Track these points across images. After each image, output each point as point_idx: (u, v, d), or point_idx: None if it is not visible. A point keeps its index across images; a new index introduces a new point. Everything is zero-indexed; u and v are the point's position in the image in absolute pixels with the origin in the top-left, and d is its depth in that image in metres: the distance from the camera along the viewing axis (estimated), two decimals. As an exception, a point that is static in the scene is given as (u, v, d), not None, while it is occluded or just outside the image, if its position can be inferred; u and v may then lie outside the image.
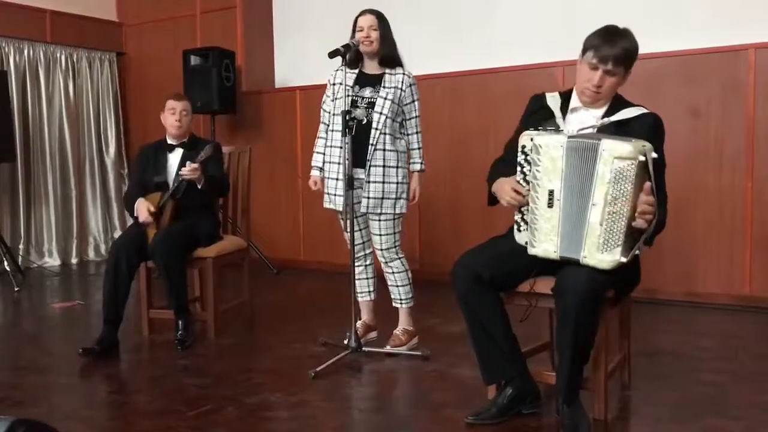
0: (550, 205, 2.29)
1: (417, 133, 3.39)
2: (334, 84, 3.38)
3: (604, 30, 2.39)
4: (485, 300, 2.40)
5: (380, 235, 3.33)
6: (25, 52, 6.04)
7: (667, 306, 4.17)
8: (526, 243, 2.37)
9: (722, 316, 3.95)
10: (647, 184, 2.17)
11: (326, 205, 3.42)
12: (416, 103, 3.36)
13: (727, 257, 4.13)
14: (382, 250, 3.35)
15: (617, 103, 2.46)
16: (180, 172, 3.50)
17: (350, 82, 3.29)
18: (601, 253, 2.21)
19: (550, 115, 2.48)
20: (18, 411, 2.61)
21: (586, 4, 4.60)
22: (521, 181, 2.37)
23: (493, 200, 2.54)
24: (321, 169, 3.44)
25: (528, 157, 2.34)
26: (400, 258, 3.39)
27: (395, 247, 3.36)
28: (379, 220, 3.31)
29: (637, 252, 2.28)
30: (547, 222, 2.30)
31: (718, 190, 4.13)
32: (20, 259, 5.86)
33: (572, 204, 2.26)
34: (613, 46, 2.34)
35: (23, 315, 4.49)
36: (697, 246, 4.21)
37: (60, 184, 6.28)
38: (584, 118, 2.46)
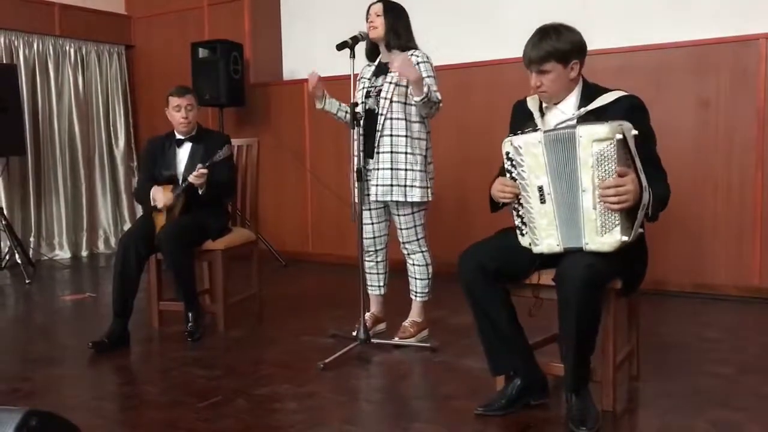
0: (543, 200, 2.31)
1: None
2: (360, 79, 3.37)
3: (533, 34, 2.45)
4: (490, 291, 2.40)
5: (401, 228, 3.33)
6: (35, 45, 6.06)
7: (675, 298, 4.16)
8: (530, 244, 2.40)
9: (731, 308, 3.93)
10: (619, 169, 2.17)
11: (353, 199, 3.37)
12: (427, 80, 3.16)
13: (736, 249, 4.11)
14: (404, 242, 3.35)
15: (590, 91, 2.47)
16: (189, 178, 3.48)
17: (370, 75, 3.31)
18: (601, 236, 2.22)
19: (531, 116, 2.51)
20: (30, 402, 2.64)
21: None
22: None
23: (494, 205, 2.57)
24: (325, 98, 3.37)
25: (513, 162, 2.38)
26: (422, 252, 3.37)
27: (417, 240, 3.34)
28: (398, 214, 3.31)
29: (641, 230, 2.28)
30: (544, 218, 2.32)
31: (728, 181, 4.10)
32: (31, 251, 5.90)
33: (563, 195, 2.28)
34: (534, 48, 2.41)
35: (34, 307, 4.52)
36: (706, 237, 4.18)
37: (70, 177, 6.32)
38: (557, 114, 2.48)
